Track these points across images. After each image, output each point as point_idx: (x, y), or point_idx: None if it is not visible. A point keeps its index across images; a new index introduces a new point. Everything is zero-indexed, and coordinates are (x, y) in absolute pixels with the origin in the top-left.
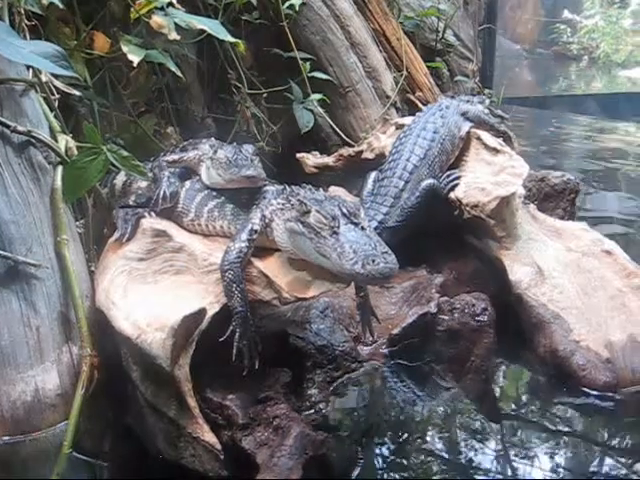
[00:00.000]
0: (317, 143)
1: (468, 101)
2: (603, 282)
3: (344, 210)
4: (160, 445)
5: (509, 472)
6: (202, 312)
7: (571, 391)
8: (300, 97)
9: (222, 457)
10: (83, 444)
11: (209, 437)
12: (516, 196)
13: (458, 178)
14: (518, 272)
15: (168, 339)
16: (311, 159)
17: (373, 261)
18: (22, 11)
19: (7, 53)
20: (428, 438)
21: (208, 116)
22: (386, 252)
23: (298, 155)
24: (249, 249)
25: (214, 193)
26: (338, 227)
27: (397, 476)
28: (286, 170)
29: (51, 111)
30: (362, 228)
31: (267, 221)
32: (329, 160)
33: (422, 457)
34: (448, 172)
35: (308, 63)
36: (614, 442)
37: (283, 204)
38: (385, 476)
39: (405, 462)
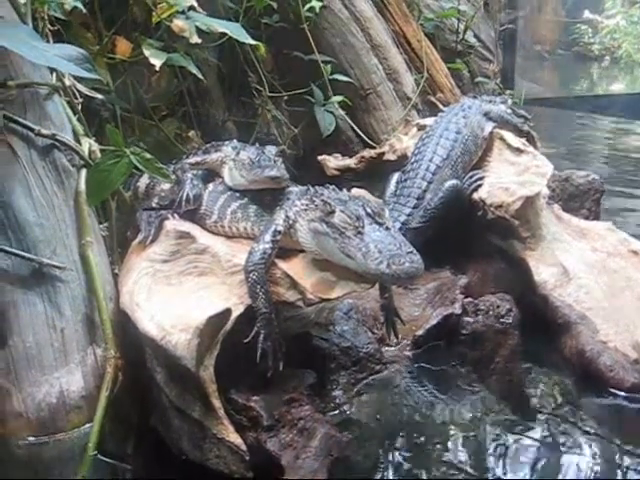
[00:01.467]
0: (338, 145)
1: (490, 101)
2: (630, 283)
3: (368, 210)
4: (185, 446)
5: (536, 474)
6: (227, 313)
7: (598, 392)
8: (321, 100)
9: (247, 458)
10: (107, 446)
11: (234, 438)
12: (540, 196)
13: (481, 178)
14: (543, 273)
15: (193, 340)
16: (333, 161)
17: (399, 261)
18: (45, 16)
19: (31, 56)
20: (452, 441)
21: (229, 119)
22: (411, 252)
23: (320, 157)
24: (273, 250)
25: (237, 194)
26: (363, 227)
27: (421, 478)
28: (308, 173)
29: (74, 114)
30: (387, 228)
31: (291, 222)
32: (351, 162)
33: (446, 460)
34: (471, 172)
35: (329, 65)
36: None
37: (307, 205)
38: (409, 478)
39: (429, 465)
